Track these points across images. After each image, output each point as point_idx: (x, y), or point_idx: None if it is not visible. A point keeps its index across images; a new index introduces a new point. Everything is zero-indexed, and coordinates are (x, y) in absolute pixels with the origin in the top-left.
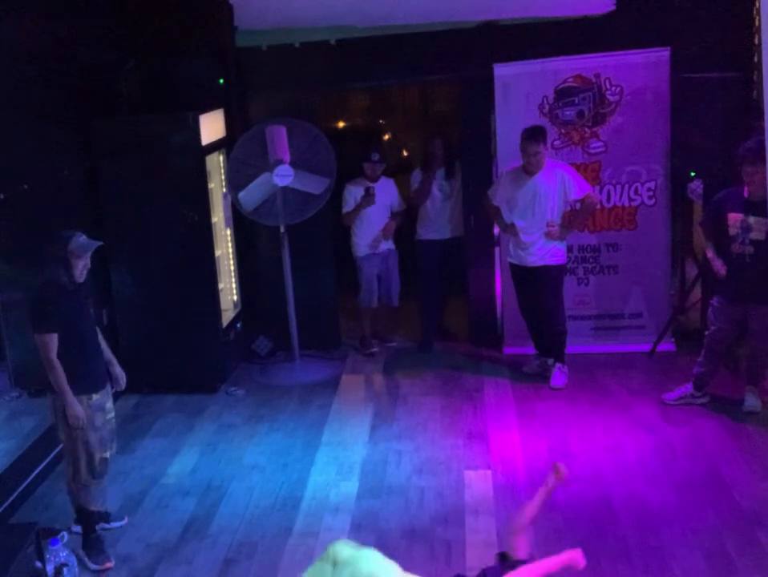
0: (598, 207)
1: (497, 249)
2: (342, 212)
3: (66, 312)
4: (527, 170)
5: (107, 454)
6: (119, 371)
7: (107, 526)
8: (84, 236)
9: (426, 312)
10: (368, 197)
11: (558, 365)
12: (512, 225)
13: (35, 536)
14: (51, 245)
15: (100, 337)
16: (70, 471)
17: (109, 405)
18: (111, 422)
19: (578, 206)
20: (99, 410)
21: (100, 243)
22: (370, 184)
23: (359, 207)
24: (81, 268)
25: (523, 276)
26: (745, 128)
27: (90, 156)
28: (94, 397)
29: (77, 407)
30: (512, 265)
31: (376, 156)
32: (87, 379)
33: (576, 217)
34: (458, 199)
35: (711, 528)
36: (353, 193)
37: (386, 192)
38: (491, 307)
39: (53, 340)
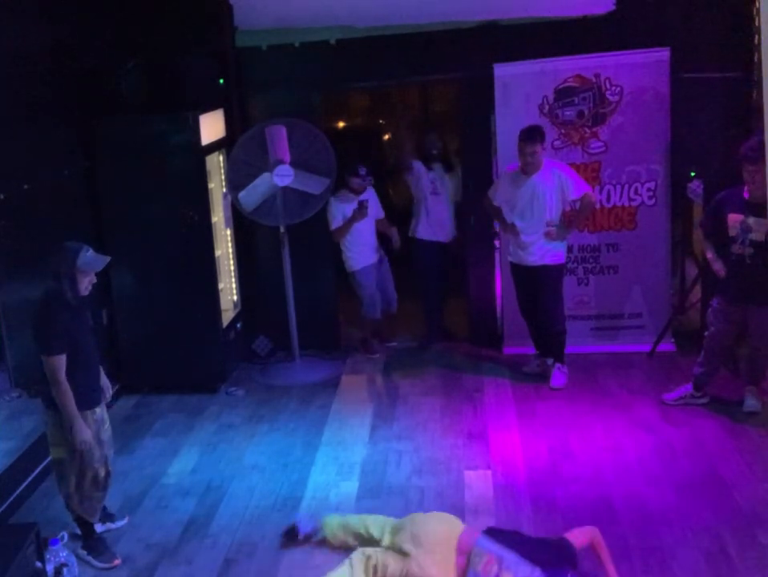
0: (597, 206)
1: (497, 249)
2: (331, 229)
3: (70, 327)
4: (525, 170)
5: (111, 468)
6: (105, 381)
7: (112, 526)
8: (91, 251)
9: (427, 313)
10: (362, 210)
11: (558, 365)
12: (513, 225)
13: (35, 536)
14: (57, 259)
15: None
16: (72, 482)
17: (105, 414)
18: (108, 431)
19: (577, 206)
20: (100, 423)
21: (108, 258)
22: (360, 197)
23: (352, 220)
24: (87, 284)
25: (523, 275)
26: (745, 128)
27: (90, 156)
28: (97, 411)
29: (86, 431)
30: (512, 264)
31: (363, 170)
32: (92, 393)
33: (575, 217)
34: (455, 200)
35: (711, 528)
36: (340, 209)
37: (372, 203)
38: (491, 307)
39: (61, 361)
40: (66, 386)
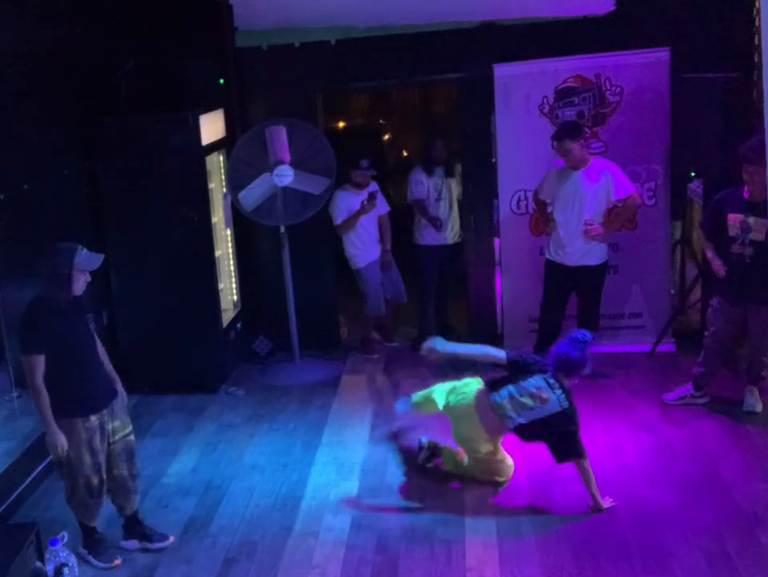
0: (640, 208)
1: (497, 249)
2: (336, 223)
3: (58, 330)
4: (569, 165)
5: (105, 476)
6: (120, 389)
7: (149, 545)
8: (86, 249)
9: (422, 316)
10: (371, 201)
11: None
12: (554, 221)
13: (35, 536)
14: (53, 259)
15: (102, 354)
16: (68, 488)
17: (117, 423)
18: (124, 441)
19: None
20: (97, 431)
21: (102, 256)
22: (366, 190)
23: (360, 212)
24: (82, 283)
25: (561, 275)
26: (745, 128)
27: (90, 156)
28: (92, 418)
29: (58, 437)
30: (550, 263)
31: (366, 163)
32: (84, 400)
33: (616, 217)
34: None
35: (711, 528)
36: (345, 201)
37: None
38: (491, 307)
39: (39, 362)
40: (40, 390)
